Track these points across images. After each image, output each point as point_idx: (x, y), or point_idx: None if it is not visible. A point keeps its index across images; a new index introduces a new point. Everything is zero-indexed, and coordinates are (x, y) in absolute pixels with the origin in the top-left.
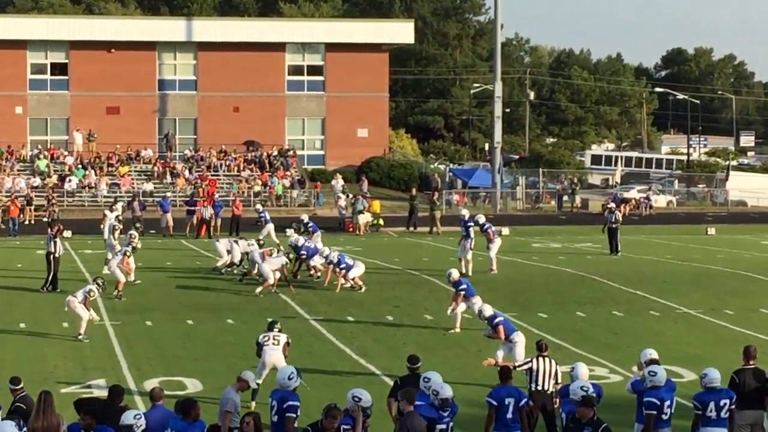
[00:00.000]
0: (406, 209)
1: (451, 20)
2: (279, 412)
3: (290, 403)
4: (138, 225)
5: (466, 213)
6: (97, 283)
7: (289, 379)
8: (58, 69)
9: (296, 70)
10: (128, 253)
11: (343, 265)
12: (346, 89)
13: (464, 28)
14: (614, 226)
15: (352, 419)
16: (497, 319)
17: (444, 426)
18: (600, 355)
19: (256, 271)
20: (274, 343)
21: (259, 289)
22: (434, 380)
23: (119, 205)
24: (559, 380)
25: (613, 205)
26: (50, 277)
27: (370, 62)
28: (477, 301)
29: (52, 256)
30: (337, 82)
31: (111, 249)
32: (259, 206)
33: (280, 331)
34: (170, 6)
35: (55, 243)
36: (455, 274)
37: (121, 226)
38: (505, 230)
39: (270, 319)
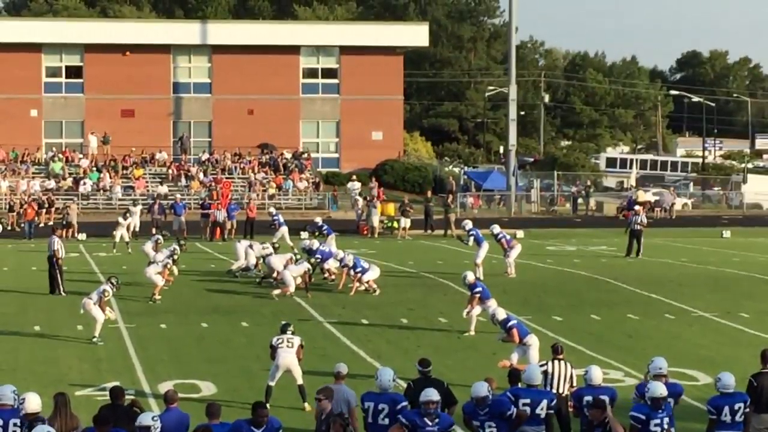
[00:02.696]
0: (421, 212)
1: (466, 23)
2: (388, 414)
3: (403, 404)
4: (165, 233)
5: (469, 222)
6: (111, 283)
7: (394, 381)
8: (73, 72)
9: (311, 72)
10: (169, 266)
11: (358, 269)
12: (361, 92)
13: (479, 31)
14: (637, 228)
15: None
16: (510, 323)
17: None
18: (615, 358)
19: (275, 274)
20: (288, 346)
21: (276, 292)
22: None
23: (138, 209)
24: (575, 383)
25: (638, 207)
26: (60, 279)
27: (385, 65)
28: (492, 304)
29: (54, 260)
30: (351, 84)
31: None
32: (272, 209)
33: (293, 333)
34: (185, 9)
35: (50, 245)
36: (470, 276)
37: (162, 239)
38: (520, 233)
39: (283, 322)
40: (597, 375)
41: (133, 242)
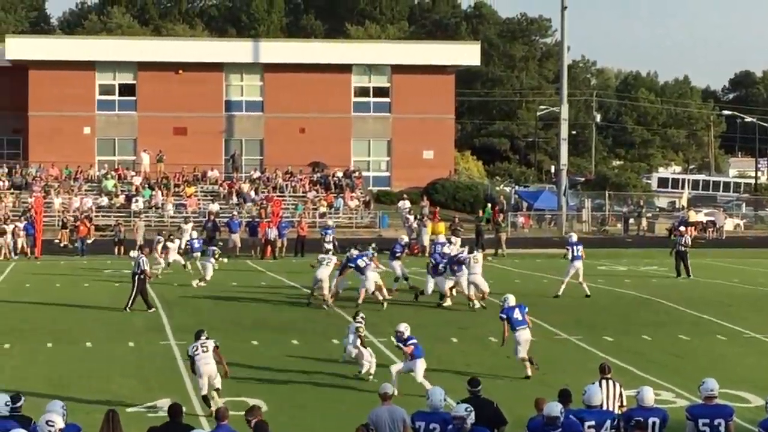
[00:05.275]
0: (471, 231)
1: (518, 42)
2: None
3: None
4: (220, 244)
5: (574, 236)
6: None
7: (444, 400)
8: (126, 90)
9: (362, 91)
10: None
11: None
12: (412, 111)
13: (530, 50)
14: (683, 249)
15: None
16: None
17: None
18: (665, 379)
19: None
20: (203, 351)
21: (361, 301)
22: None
23: (189, 226)
24: (624, 403)
25: (683, 228)
26: (133, 297)
27: (436, 84)
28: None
29: (137, 277)
30: (403, 103)
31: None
32: (330, 222)
33: (207, 338)
34: (237, 27)
35: (139, 264)
36: (511, 300)
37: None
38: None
39: (198, 329)
40: (649, 396)
41: (187, 259)
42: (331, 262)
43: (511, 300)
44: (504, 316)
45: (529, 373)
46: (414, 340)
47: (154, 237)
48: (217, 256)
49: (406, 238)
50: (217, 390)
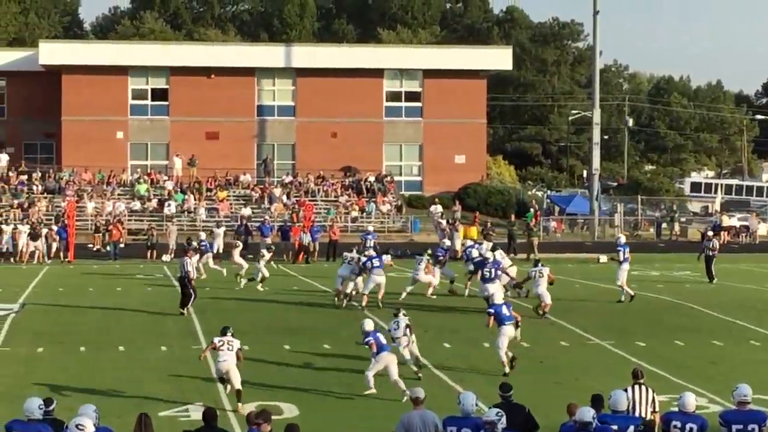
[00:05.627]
0: (503, 235)
1: (550, 47)
2: None
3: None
4: (272, 248)
5: (622, 238)
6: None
7: (476, 405)
8: (159, 94)
9: (394, 96)
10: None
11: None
12: (444, 115)
13: (562, 55)
14: (711, 254)
15: None
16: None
17: None
18: (698, 385)
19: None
20: (228, 349)
21: (430, 291)
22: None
23: (221, 230)
24: (657, 408)
25: (711, 233)
26: (184, 298)
27: (468, 88)
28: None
29: (186, 280)
30: (434, 108)
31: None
32: (371, 227)
33: (233, 335)
34: (269, 32)
35: (183, 266)
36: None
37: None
38: (603, 257)
39: (224, 326)
40: (690, 402)
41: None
42: (353, 263)
43: (498, 298)
44: (492, 311)
45: (508, 370)
46: (370, 338)
47: (233, 242)
48: (268, 257)
49: (448, 242)
50: (238, 392)
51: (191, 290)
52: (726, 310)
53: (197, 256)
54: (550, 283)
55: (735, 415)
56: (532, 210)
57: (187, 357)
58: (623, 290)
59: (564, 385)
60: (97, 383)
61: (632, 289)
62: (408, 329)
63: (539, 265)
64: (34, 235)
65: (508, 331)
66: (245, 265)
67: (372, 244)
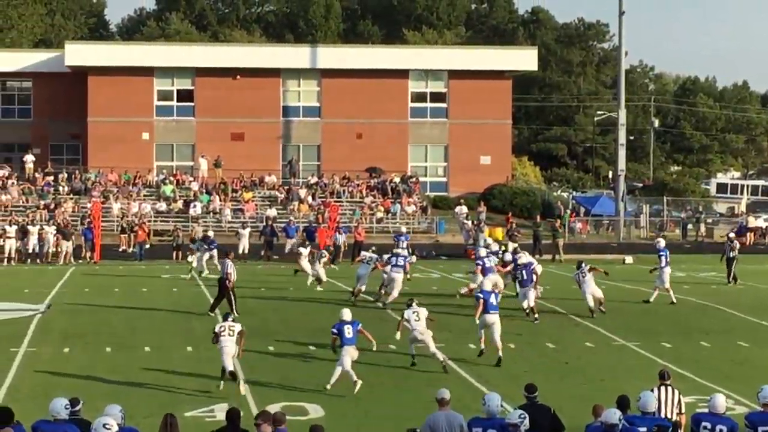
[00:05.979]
0: (529, 236)
1: (575, 47)
2: None
3: None
4: (331, 248)
5: (662, 242)
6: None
7: (502, 406)
8: (184, 95)
9: (419, 96)
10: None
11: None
12: (469, 116)
13: (588, 55)
14: (732, 255)
15: None
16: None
17: None
18: (724, 386)
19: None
20: (229, 334)
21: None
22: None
23: (247, 231)
24: (683, 410)
25: (732, 234)
26: (228, 302)
27: (494, 89)
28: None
29: (226, 282)
30: (460, 109)
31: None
32: (403, 228)
33: (234, 321)
34: (295, 33)
35: (227, 266)
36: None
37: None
38: (629, 259)
39: (226, 312)
40: (720, 403)
41: (242, 264)
42: (372, 262)
43: (488, 285)
44: (480, 296)
45: (483, 346)
46: (334, 330)
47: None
48: (326, 259)
49: (495, 246)
50: (232, 373)
51: (230, 293)
52: (752, 311)
53: (207, 254)
54: (606, 273)
55: (761, 417)
56: (568, 211)
57: (213, 357)
58: (671, 291)
59: (589, 386)
60: (122, 383)
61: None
62: (427, 320)
63: (582, 265)
64: (66, 235)
65: (491, 319)
66: (310, 270)
67: (405, 246)
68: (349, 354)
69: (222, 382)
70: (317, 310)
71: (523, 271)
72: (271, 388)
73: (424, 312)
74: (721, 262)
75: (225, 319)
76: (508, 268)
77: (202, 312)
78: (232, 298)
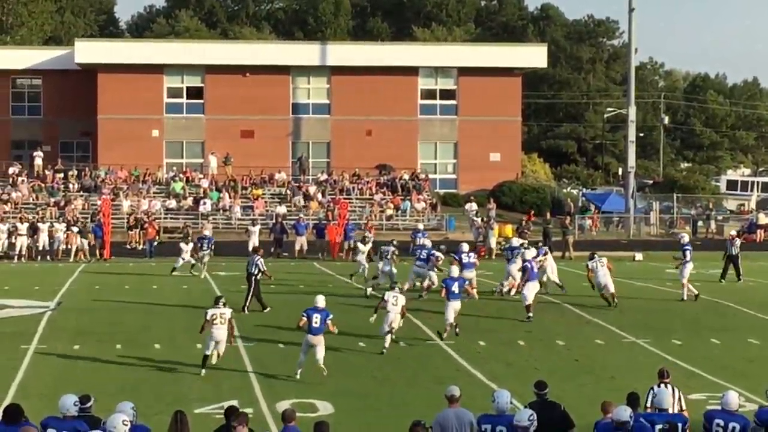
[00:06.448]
0: (538, 233)
1: (585, 44)
2: None
3: None
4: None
5: (685, 236)
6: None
7: (511, 403)
8: (194, 93)
9: (429, 94)
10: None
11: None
12: (479, 113)
13: (598, 52)
14: (735, 252)
15: None
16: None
17: None
18: (735, 383)
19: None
20: (220, 323)
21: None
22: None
23: (257, 228)
24: (684, 407)
25: (734, 232)
26: (250, 297)
27: (503, 86)
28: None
29: (253, 278)
30: (469, 106)
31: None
32: (420, 225)
33: (224, 305)
34: (304, 31)
35: (257, 265)
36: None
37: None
38: (639, 255)
39: (216, 295)
40: (733, 400)
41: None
42: (389, 255)
43: (455, 272)
44: (443, 285)
45: (444, 335)
46: (303, 316)
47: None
48: (395, 256)
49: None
50: (218, 354)
51: (250, 289)
52: (763, 308)
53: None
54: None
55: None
56: (592, 207)
57: (224, 354)
58: (686, 288)
59: (600, 383)
60: (133, 381)
61: (668, 287)
62: (402, 308)
63: (595, 257)
64: (83, 232)
65: (455, 305)
66: (366, 264)
67: (422, 242)
68: (310, 342)
69: (203, 370)
70: (328, 306)
71: (528, 264)
72: (282, 384)
73: (402, 299)
74: (721, 260)
75: (215, 304)
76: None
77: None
78: (250, 293)
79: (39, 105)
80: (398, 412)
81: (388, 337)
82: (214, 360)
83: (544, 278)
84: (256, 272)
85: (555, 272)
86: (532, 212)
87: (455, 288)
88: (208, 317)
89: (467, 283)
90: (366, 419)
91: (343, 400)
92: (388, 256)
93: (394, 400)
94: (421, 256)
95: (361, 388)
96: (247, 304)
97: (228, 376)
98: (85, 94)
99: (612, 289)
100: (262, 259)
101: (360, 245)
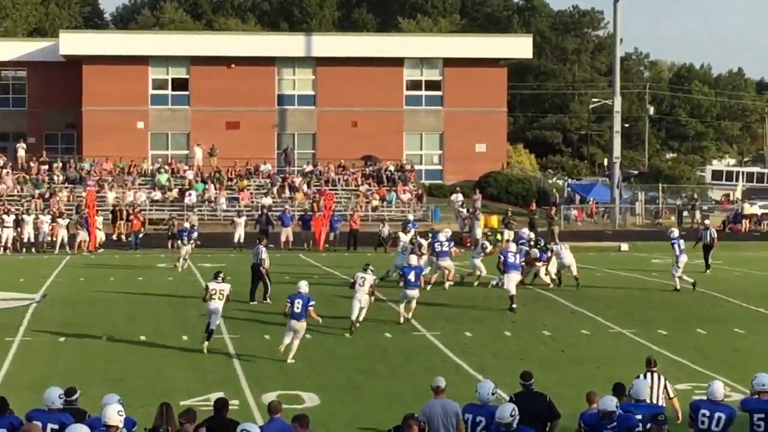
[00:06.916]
0: (524, 224)
1: (570, 35)
2: (485, 427)
3: None
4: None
5: (675, 231)
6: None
7: (493, 394)
8: (179, 84)
9: (414, 85)
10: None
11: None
12: (465, 104)
13: (583, 43)
14: (708, 243)
15: None
16: None
17: None
18: (721, 374)
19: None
20: (218, 298)
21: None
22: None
23: (242, 220)
24: (671, 394)
25: (707, 222)
26: (264, 287)
27: (489, 77)
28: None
29: (261, 268)
30: (455, 97)
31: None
32: (410, 216)
33: (223, 280)
34: (289, 22)
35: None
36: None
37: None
38: (625, 246)
39: (216, 271)
40: (718, 390)
41: (238, 253)
42: (408, 251)
43: (413, 261)
44: (401, 273)
45: (401, 321)
46: (289, 299)
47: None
48: (489, 249)
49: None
50: (211, 331)
51: (266, 278)
52: (748, 298)
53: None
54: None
55: (756, 404)
56: (591, 199)
57: (209, 346)
58: (681, 279)
59: (585, 373)
60: (119, 373)
61: (653, 278)
62: (371, 290)
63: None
64: (81, 224)
65: (411, 294)
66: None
67: (414, 233)
68: (292, 327)
69: (207, 342)
70: (315, 299)
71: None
72: (268, 376)
73: (370, 278)
74: (695, 249)
75: (215, 278)
76: (539, 264)
77: (198, 301)
78: (268, 283)
79: (24, 97)
80: (384, 404)
81: (356, 315)
82: (208, 337)
83: (553, 270)
84: (258, 261)
85: (574, 266)
86: (534, 203)
87: (411, 276)
88: (209, 290)
89: (424, 272)
90: (352, 411)
91: (329, 392)
92: (406, 252)
93: (380, 392)
94: (445, 249)
95: (347, 380)
96: (268, 293)
97: (214, 368)
98: (70, 86)
99: (575, 271)
100: (263, 248)
101: (401, 235)
